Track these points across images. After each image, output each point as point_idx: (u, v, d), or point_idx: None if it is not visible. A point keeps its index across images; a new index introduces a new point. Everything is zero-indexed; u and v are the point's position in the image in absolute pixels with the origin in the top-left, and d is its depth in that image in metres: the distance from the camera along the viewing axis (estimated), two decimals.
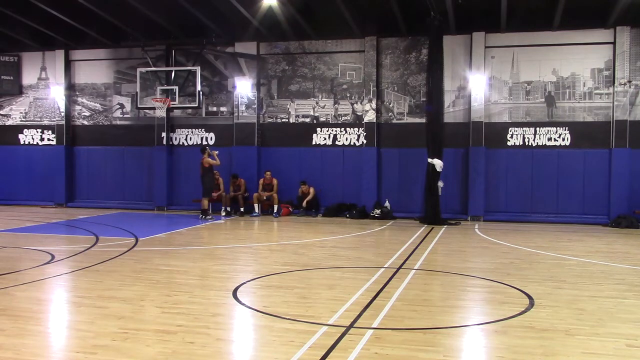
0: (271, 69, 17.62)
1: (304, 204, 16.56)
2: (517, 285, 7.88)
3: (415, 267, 9.22)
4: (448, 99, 16.24)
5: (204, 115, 18.16)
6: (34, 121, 19.63)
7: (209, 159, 15.72)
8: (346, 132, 17.17)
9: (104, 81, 18.98)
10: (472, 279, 8.46)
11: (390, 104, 16.83)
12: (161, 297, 7.20)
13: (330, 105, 17.28)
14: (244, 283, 8.00)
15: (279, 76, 17.59)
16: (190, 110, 17.86)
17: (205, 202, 15.89)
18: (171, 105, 16.32)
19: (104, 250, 10.61)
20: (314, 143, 17.31)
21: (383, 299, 7.11)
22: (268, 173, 16.76)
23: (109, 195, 18.83)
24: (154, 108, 16.46)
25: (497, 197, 16.13)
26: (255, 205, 16.77)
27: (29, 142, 19.66)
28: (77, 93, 19.21)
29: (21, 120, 19.75)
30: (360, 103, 17.00)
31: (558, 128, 15.82)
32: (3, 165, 19.74)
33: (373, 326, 5.97)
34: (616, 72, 15.27)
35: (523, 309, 6.68)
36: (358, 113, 17.06)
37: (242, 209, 16.72)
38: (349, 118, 17.16)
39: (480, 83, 15.91)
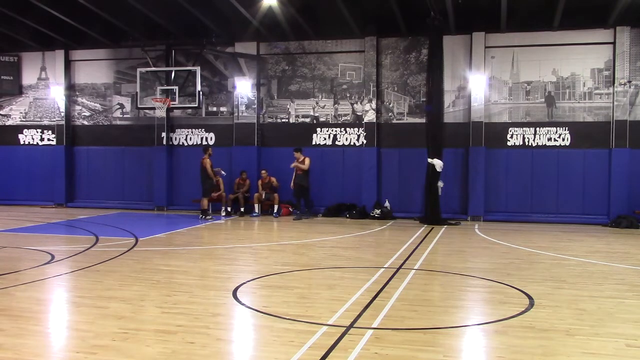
0: (271, 69, 17.62)
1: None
2: (517, 285, 7.88)
3: (415, 267, 9.22)
4: (448, 99, 16.24)
5: (204, 115, 18.16)
6: (34, 121, 19.63)
7: (209, 160, 15.76)
8: (346, 132, 17.17)
9: (104, 81, 18.98)
10: (472, 279, 8.45)
11: (390, 104, 16.83)
12: (161, 297, 7.20)
13: (330, 105, 17.28)
14: (244, 283, 8.00)
15: (279, 76, 17.59)
16: (190, 110, 17.86)
17: (204, 202, 15.89)
18: (171, 105, 16.30)
19: (104, 250, 10.61)
20: (313, 143, 17.31)
21: (383, 299, 7.11)
22: (264, 172, 16.72)
23: (109, 195, 18.83)
24: (154, 108, 16.44)
25: (497, 197, 16.13)
26: (255, 205, 16.76)
27: (29, 142, 19.66)
28: (77, 93, 19.21)
29: (21, 120, 19.74)
30: (360, 103, 17.00)
31: (558, 128, 15.82)
32: (3, 165, 19.73)
33: (373, 326, 5.96)
34: (616, 72, 15.27)
35: (523, 309, 6.68)
36: (358, 113, 17.06)
37: (242, 209, 16.71)
38: (349, 118, 17.16)
39: (480, 83, 15.91)
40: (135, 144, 18.63)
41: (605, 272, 9.03)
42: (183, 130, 18.37)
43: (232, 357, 5.34)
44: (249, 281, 8.16)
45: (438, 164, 15.13)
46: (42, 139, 19.54)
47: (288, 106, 17.55)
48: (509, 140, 16.09)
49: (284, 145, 17.25)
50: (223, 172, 16.37)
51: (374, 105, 16.70)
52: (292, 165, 15.99)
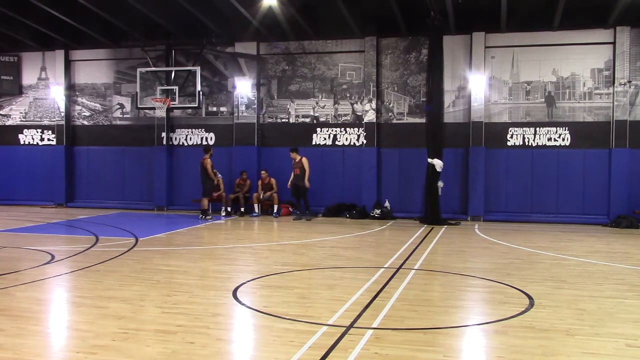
0: (271, 69, 17.62)
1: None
2: (517, 285, 7.88)
3: (415, 267, 9.22)
4: (448, 99, 16.24)
5: (204, 115, 18.16)
6: (34, 121, 19.63)
7: (210, 160, 15.76)
8: (346, 132, 17.17)
9: (104, 81, 18.98)
10: (472, 279, 8.46)
11: (390, 104, 16.83)
12: (161, 297, 7.20)
13: (330, 105, 17.28)
14: (244, 283, 8.00)
15: (279, 76, 17.59)
16: (190, 110, 17.86)
17: (205, 202, 15.89)
18: (171, 105, 16.31)
19: (104, 250, 10.61)
20: (314, 143, 17.31)
21: (383, 299, 7.11)
22: (264, 172, 16.70)
23: (109, 195, 18.83)
24: (154, 108, 16.45)
25: (497, 197, 16.13)
26: (255, 206, 16.76)
27: (29, 142, 19.66)
28: (77, 93, 19.21)
29: (21, 120, 19.75)
30: (360, 103, 17.00)
31: (558, 128, 15.82)
32: (3, 165, 19.74)
33: (373, 326, 5.97)
34: (616, 72, 15.27)
35: (523, 309, 6.68)
36: (358, 113, 17.06)
37: (242, 209, 16.71)
38: (349, 118, 17.16)
39: (480, 83, 15.91)
40: (135, 144, 18.63)
41: (605, 272, 9.03)
42: (183, 130, 18.37)
43: (232, 357, 5.34)
44: (249, 281, 8.16)
45: (438, 164, 15.13)
46: (42, 139, 19.54)
47: (288, 106, 17.55)
48: (509, 140, 16.09)
49: (284, 145, 17.21)
50: (219, 175, 16.33)
51: (374, 105, 16.70)
52: (307, 181, 15.62)
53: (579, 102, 15.68)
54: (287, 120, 17.58)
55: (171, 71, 16.54)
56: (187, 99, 16.38)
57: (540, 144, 15.91)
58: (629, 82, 15.23)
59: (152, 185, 18.38)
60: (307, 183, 15.69)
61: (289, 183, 15.97)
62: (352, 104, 17.13)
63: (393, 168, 16.80)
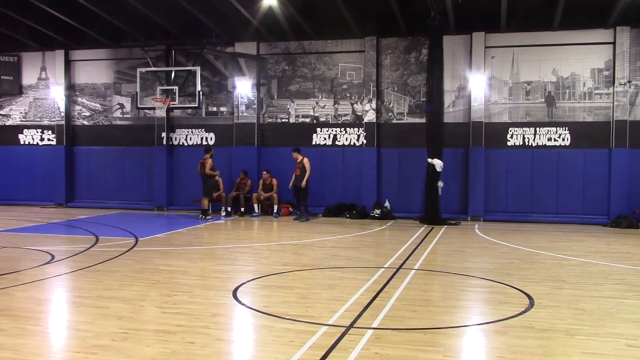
0: (271, 69, 17.62)
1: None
2: (517, 285, 7.88)
3: (415, 267, 9.22)
4: (448, 99, 16.24)
5: (204, 115, 18.16)
6: (34, 121, 19.63)
7: (211, 160, 15.75)
8: (346, 132, 17.16)
9: (104, 81, 18.98)
10: (472, 279, 8.46)
11: (390, 104, 16.83)
12: (161, 297, 7.21)
13: (330, 105, 17.28)
14: (244, 283, 8.00)
15: (279, 76, 17.59)
16: (190, 110, 17.87)
17: (205, 202, 15.89)
18: (171, 105, 16.30)
19: (104, 250, 10.61)
20: (314, 143, 17.30)
21: (383, 299, 7.11)
22: (265, 173, 16.70)
23: (109, 195, 18.82)
24: (154, 108, 16.44)
25: (497, 197, 16.13)
26: (255, 206, 16.75)
27: (29, 142, 19.66)
28: (77, 93, 19.21)
29: (21, 120, 19.74)
30: (360, 103, 17.00)
31: (558, 128, 15.82)
32: (3, 165, 19.74)
33: (373, 326, 5.97)
34: (616, 72, 15.27)
35: (523, 309, 6.68)
36: (358, 113, 17.06)
37: (242, 209, 16.71)
38: (349, 118, 17.16)
39: (480, 83, 15.91)
40: (135, 144, 18.63)
41: (605, 272, 9.03)
42: (183, 130, 18.37)
43: (232, 357, 5.34)
44: (249, 281, 8.16)
45: (438, 164, 15.13)
46: (42, 139, 19.54)
47: (288, 106, 17.55)
48: (509, 140, 16.09)
49: (284, 145, 17.21)
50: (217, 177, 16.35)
51: (374, 105, 16.70)
52: (304, 181, 15.47)
53: (579, 102, 15.68)
54: (287, 120, 17.58)
55: (171, 71, 16.53)
56: (187, 99, 16.37)
57: (540, 144, 15.91)
58: (629, 82, 15.23)
59: (152, 185, 18.38)
60: (304, 183, 15.58)
61: (290, 184, 15.93)
62: (352, 104, 17.13)
63: (393, 168, 16.80)
